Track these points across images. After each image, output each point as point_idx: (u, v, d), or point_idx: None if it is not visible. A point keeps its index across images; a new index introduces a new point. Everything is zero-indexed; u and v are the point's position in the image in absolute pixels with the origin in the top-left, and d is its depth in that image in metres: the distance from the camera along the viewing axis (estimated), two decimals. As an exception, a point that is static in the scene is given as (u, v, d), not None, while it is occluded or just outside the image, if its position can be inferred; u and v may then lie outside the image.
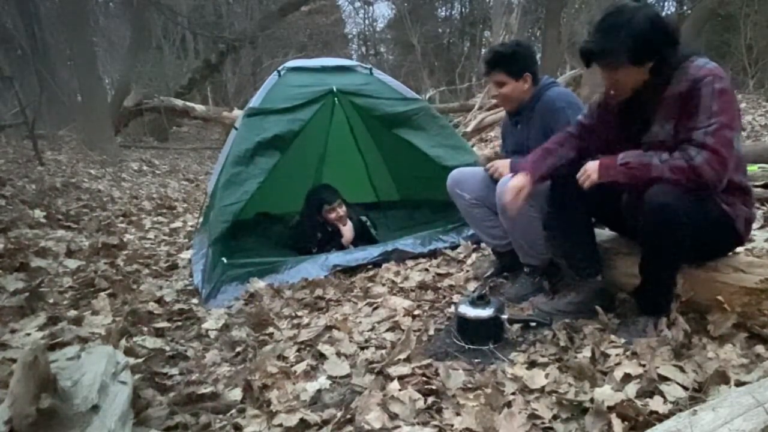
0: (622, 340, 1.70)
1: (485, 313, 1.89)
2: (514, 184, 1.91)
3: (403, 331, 2.01)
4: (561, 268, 2.15)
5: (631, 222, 1.83)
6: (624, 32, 1.55)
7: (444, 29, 20.11)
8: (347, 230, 3.32)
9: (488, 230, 2.45)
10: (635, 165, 1.60)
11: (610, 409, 1.34)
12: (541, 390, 1.51)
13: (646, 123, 1.70)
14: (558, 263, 2.15)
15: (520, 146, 2.40)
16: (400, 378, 1.62)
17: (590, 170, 1.68)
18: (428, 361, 1.73)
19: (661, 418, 1.28)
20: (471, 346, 1.87)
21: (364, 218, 3.49)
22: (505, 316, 1.92)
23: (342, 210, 3.30)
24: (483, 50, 16.16)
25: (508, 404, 1.45)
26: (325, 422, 1.47)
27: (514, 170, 2.24)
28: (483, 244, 2.86)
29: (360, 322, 2.16)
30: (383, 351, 1.89)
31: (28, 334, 2.04)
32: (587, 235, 1.99)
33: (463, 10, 19.86)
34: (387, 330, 2.08)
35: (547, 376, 1.57)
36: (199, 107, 10.37)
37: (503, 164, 2.32)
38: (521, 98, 2.35)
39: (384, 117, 3.27)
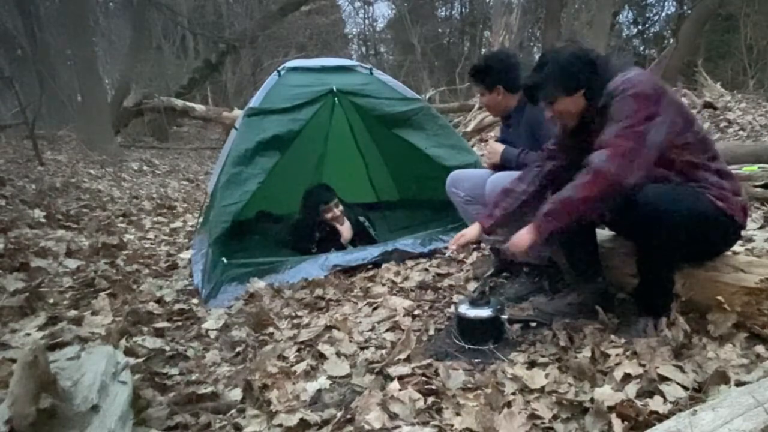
0: (622, 340, 1.70)
1: (485, 313, 1.89)
2: (464, 237, 2.02)
3: (403, 331, 2.01)
4: (561, 267, 2.15)
5: (625, 223, 1.85)
6: (550, 67, 1.73)
7: (444, 29, 20.11)
8: (345, 229, 3.32)
9: None
10: (556, 208, 1.66)
11: (610, 409, 1.34)
12: (541, 390, 1.51)
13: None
14: (558, 263, 2.15)
15: (515, 144, 2.42)
16: (400, 378, 1.62)
17: (517, 241, 1.75)
18: (428, 361, 1.73)
19: (661, 418, 1.28)
20: (471, 346, 1.87)
21: (362, 218, 3.49)
22: (505, 316, 1.92)
23: (339, 209, 3.30)
24: (483, 50, 16.18)
25: (508, 404, 1.45)
26: (325, 422, 1.47)
27: (504, 159, 2.34)
28: (483, 244, 2.86)
29: (360, 322, 2.16)
30: (383, 351, 1.89)
31: (28, 334, 2.04)
32: (588, 237, 1.99)
33: (463, 10, 19.87)
34: (387, 330, 2.08)
35: (547, 376, 1.57)
36: (199, 107, 10.36)
37: (496, 148, 2.40)
38: (498, 108, 2.44)
39: (384, 117, 3.27)
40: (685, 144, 1.66)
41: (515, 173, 2.18)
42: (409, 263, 2.91)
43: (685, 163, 1.66)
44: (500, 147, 2.39)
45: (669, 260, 1.70)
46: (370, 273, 2.81)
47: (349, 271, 2.88)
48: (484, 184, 2.34)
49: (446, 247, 2.09)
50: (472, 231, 2.02)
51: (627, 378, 1.48)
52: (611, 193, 1.59)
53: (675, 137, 1.64)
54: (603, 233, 2.14)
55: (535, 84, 1.77)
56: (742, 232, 2.47)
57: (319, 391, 1.66)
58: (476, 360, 1.78)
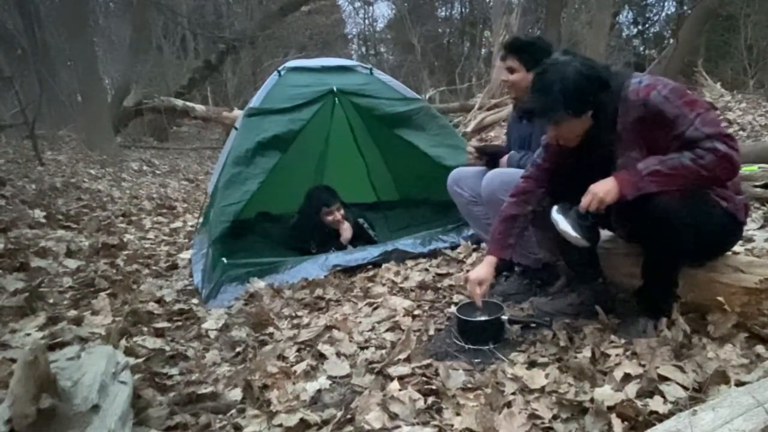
0: (622, 340, 1.70)
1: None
2: (475, 277, 1.91)
3: (403, 331, 2.01)
4: (559, 269, 2.15)
5: (627, 225, 1.83)
6: (556, 88, 1.59)
7: (444, 29, 20.10)
8: (345, 229, 3.31)
9: (487, 227, 2.45)
10: (668, 172, 1.53)
11: (610, 409, 1.34)
12: (541, 390, 1.51)
13: (607, 157, 1.69)
14: (557, 265, 2.15)
15: (524, 141, 2.41)
16: (400, 378, 1.62)
17: (602, 192, 1.60)
18: (428, 361, 1.74)
19: (661, 418, 1.28)
20: (471, 346, 1.87)
21: (360, 220, 3.48)
22: (505, 317, 1.92)
23: (340, 213, 3.30)
24: (483, 50, 16.17)
25: (508, 404, 1.45)
26: (325, 422, 1.47)
27: (510, 164, 2.30)
28: (483, 244, 2.86)
29: (360, 322, 2.16)
30: (383, 351, 1.89)
31: (28, 334, 2.04)
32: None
33: (463, 10, 19.85)
34: (387, 330, 2.08)
35: (547, 376, 1.56)
36: (199, 107, 10.36)
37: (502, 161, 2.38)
38: (527, 90, 2.33)
39: (384, 117, 3.27)
40: None
41: (512, 170, 2.18)
42: (409, 263, 2.91)
43: None
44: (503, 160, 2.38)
45: (676, 262, 1.70)
46: (370, 273, 2.81)
47: (349, 271, 2.88)
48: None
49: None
50: (487, 272, 1.91)
51: (627, 378, 1.48)
52: (729, 177, 1.57)
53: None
54: (602, 234, 2.14)
55: (541, 108, 1.67)
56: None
57: (319, 391, 1.66)
58: (476, 360, 1.78)
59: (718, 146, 1.49)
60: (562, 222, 1.71)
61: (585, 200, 1.63)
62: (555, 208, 1.75)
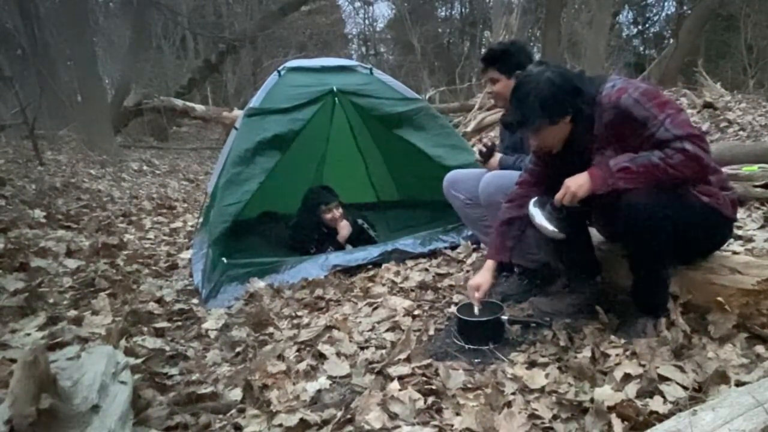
0: (622, 340, 1.70)
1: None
2: (473, 283, 1.94)
3: (403, 331, 2.01)
4: (558, 271, 2.15)
5: (611, 225, 1.84)
6: (531, 99, 1.66)
7: (444, 29, 20.12)
8: (343, 227, 3.31)
9: (485, 229, 2.46)
10: (636, 169, 1.58)
11: (610, 409, 1.34)
12: (541, 390, 1.51)
13: (587, 159, 1.72)
14: (556, 266, 2.15)
15: (515, 145, 2.41)
16: (400, 378, 1.62)
17: (574, 186, 1.65)
18: (428, 361, 1.73)
19: (661, 418, 1.28)
20: (471, 346, 1.87)
21: (360, 221, 3.49)
22: (505, 317, 1.92)
23: (339, 211, 3.31)
24: (483, 50, 16.16)
25: (508, 404, 1.45)
26: (325, 422, 1.47)
27: (502, 166, 2.31)
28: (483, 244, 2.86)
29: (360, 322, 2.16)
30: (383, 351, 1.89)
31: (28, 334, 2.04)
32: (584, 238, 1.99)
33: (463, 10, 19.89)
34: (387, 330, 2.08)
35: (547, 376, 1.57)
36: (199, 107, 10.36)
37: (492, 162, 2.40)
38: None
39: (384, 117, 3.27)
40: None
41: (508, 172, 2.19)
42: (409, 263, 2.91)
43: None
44: (494, 159, 2.39)
45: (659, 259, 1.69)
46: (370, 273, 2.81)
47: (349, 271, 2.88)
48: None
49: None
50: (485, 277, 1.93)
51: (627, 378, 1.48)
52: (698, 177, 1.61)
53: None
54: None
55: (519, 120, 1.71)
56: (742, 232, 2.48)
57: (319, 391, 1.66)
58: (476, 360, 1.78)
59: (687, 146, 1.53)
60: (537, 215, 1.77)
61: (559, 194, 1.69)
62: (532, 201, 1.81)
